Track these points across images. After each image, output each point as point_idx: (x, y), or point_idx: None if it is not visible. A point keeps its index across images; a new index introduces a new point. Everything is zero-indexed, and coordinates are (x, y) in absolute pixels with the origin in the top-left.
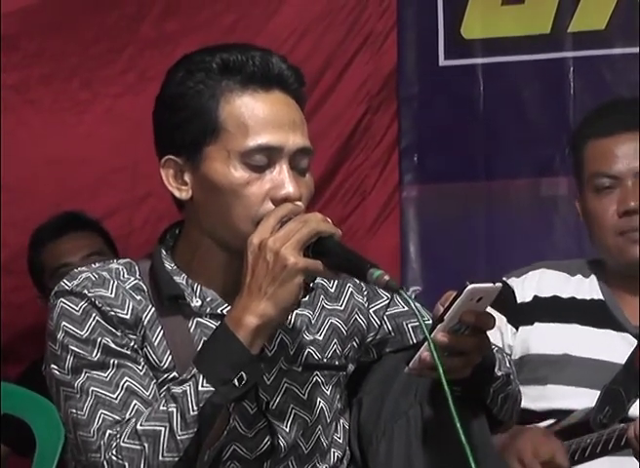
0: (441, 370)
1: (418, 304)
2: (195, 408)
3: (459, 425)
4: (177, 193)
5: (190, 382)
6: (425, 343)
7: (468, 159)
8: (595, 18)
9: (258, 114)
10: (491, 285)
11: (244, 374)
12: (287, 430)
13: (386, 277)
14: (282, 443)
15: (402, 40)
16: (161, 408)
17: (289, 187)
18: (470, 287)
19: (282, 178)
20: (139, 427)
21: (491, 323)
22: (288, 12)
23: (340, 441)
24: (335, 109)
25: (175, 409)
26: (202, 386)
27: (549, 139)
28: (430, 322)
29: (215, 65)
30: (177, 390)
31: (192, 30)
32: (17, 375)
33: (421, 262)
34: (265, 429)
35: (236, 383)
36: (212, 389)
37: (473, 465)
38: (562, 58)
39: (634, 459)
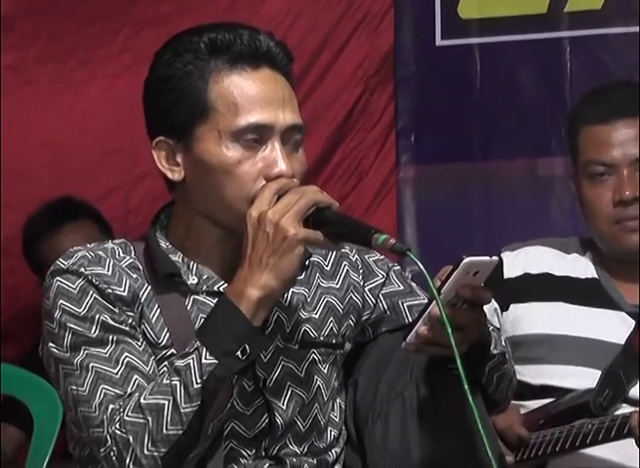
0: (450, 331)
1: (423, 267)
2: (199, 380)
3: (470, 396)
4: (169, 174)
5: (193, 355)
6: (422, 319)
7: (465, 139)
8: None
9: (247, 92)
10: (487, 258)
11: (247, 346)
12: (284, 407)
13: (392, 240)
14: (279, 420)
15: (399, 20)
16: (164, 381)
17: (282, 165)
18: (467, 260)
19: (274, 156)
20: (142, 401)
21: (487, 297)
22: None
23: (337, 420)
24: (331, 90)
25: (178, 383)
26: (205, 359)
27: (546, 120)
28: (426, 301)
29: (202, 45)
30: (180, 363)
31: (188, 11)
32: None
33: (418, 242)
34: (263, 407)
35: (239, 355)
36: (215, 361)
37: (485, 439)
38: (559, 38)
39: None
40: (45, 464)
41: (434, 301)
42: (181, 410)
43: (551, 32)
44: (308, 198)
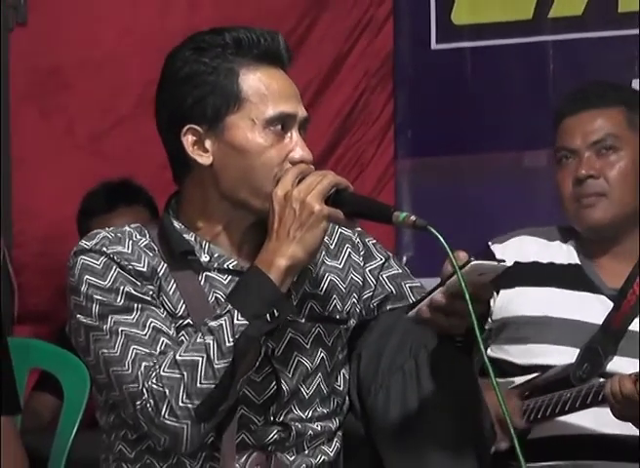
0: (472, 312)
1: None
2: (231, 339)
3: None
4: (199, 159)
5: (226, 317)
6: (434, 293)
7: (457, 134)
8: (573, 4)
9: (274, 87)
10: (494, 264)
11: (275, 310)
12: (289, 375)
13: (413, 217)
14: (285, 387)
15: (397, 25)
16: (198, 340)
17: (304, 151)
18: (473, 263)
19: (297, 143)
20: (177, 357)
21: (488, 294)
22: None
23: (341, 389)
24: (337, 88)
25: (212, 341)
26: (237, 320)
27: (531, 116)
28: (418, 284)
29: (229, 42)
30: (213, 324)
31: None
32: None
33: (414, 229)
34: (271, 374)
35: (268, 318)
36: (246, 322)
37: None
38: (543, 42)
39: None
40: (74, 432)
41: (438, 289)
42: (215, 366)
43: (536, 36)
44: (330, 179)
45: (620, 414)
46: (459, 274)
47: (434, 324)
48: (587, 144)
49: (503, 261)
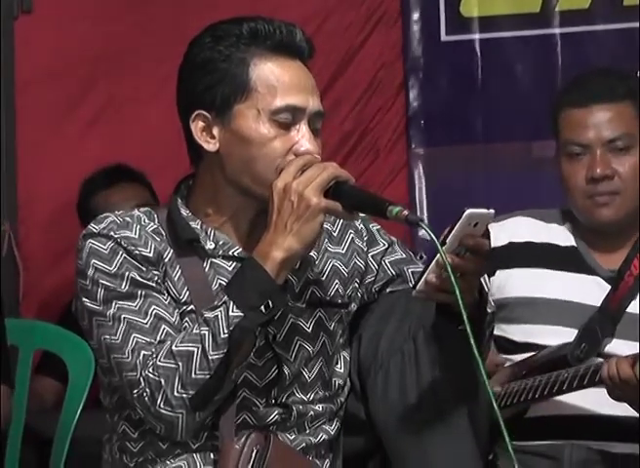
0: (456, 286)
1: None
2: (226, 330)
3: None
4: (205, 145)
5: (221, 308)
6: (430, 267)
7: (467, 124)
8: None
9: (284, 78)
10: (485, 210)
11: (270, 302)
12: (291, 360)
13: (405, 212)
14: (287, 371)
15: (408, 18)
16: (194, 331)
17: (309, 143)
18: (468, 211)
19: (303, 135)
20: (174, 348)
21: (486, 245)
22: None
23: (342, 371)
24: (353, 79)
25: (207, 332)
26: (232, 312)
27: (539, 107)
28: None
29: (245, 32)
30: (209, 315)
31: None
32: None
33: (427, 214)
34: (273, 359)
35: (263, 310)
36: (241, 314)
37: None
38: (550, 34)
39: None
40: (78, 412)
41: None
42: (209, 357)
43: (544, 29)
44: (329, 172)
45: (617, 396)
46: (449, 270)
47: (436, 298)
48: (602, 141)
49: (491, 211)
